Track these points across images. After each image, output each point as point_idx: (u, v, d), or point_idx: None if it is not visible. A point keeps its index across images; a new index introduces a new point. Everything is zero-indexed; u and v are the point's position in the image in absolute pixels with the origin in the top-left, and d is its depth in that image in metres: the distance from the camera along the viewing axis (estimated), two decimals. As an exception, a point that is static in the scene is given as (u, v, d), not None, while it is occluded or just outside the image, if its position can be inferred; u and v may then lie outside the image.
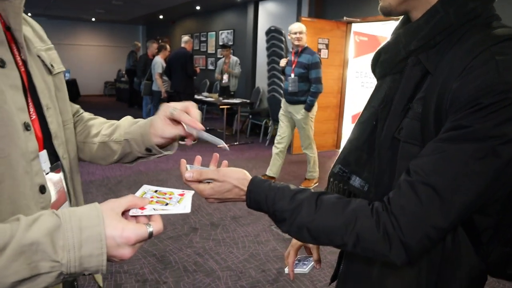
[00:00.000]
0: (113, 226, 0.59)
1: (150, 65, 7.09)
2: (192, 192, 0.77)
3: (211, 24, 10.12)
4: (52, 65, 0.80)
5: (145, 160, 0.93)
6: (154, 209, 0.67)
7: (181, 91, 6.26)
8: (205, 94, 7.36)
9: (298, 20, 5.98)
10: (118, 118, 1.00)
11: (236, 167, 0.89)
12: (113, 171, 4.96)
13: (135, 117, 1.00)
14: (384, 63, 0.85)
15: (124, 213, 0.63)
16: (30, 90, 0.71)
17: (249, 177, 0.84)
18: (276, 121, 6.61)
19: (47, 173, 0.73)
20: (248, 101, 6.99)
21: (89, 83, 13.49)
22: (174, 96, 6.49)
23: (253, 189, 0.81)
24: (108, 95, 13.77)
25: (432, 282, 0.78)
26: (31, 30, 0.80)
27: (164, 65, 6.67)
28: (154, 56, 7.18)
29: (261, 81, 7.90)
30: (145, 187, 0.76)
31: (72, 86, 11.43)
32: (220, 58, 9.30)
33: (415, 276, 0.78)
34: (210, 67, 9.88)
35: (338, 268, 1.05)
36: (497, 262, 0.79)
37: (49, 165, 0.74)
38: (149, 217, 0.66)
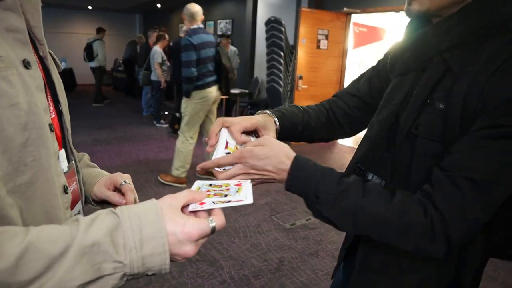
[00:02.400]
0: (173, 221, 0.56)
1: (150, 55, 7.06)
2: (249, 180, 0.71)
3: (210, 13, 10.05)
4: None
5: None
6: (213, 202, 0.63)
7: (180, 81, 6.22)
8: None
9: (297, 11, 5.96)
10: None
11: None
12: (112, 161, 4.98)
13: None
14: (410, 60, 0.86)
15: (183, 209, 0.61)
16: (49, 87, 0.70)
17: (291, 154, 0.79)
18: (275, 112, 6.63)
19: (65, 172, 0.72)
20: (247, 91, 6.99)
21: (85, 72, 13.26)
22: (173, 86, 6.47)
23: (296, 167, 0.76)
24: (105, 84, 13.64)
25: (452, 267, 0.82)
26: None
27: (163, 54, 6.63)
28: (154, 46, 7.15)
29: (260, 71, 7.89)
30: (199, 183, 0.71)
31: (69, 75, 11.33)
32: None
33: (437, 264, 0.83)
34: (208, 56, 9.84)
35: (344, 260, 1.08)
36: (500, 243, 0.85)
37: (67, 164, 0.73)
38: (209, 212, 0.62)
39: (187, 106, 4.04)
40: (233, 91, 6.69)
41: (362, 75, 1.10)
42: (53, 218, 0.63)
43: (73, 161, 0.78)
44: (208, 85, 4.01)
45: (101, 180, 0.86)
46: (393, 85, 0.93)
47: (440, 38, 0.78)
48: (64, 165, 0.71)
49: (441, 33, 0.78)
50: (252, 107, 7.33)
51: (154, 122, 7.21)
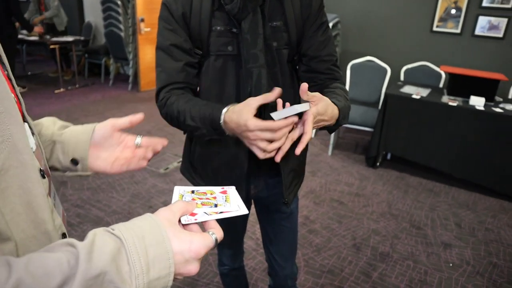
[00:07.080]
0: (178, 239, 0.51)
1: None
2: (233, 187, 0.69)
3: None
4: None
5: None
6: (205, 213, 0.59)
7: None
8: (25, 32, 6.29)
9: None
10: None
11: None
12: None
13: None
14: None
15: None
16: None
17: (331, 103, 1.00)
18: (118, 59, 6.22)
19: (34, 151, 0.58)
20: (81, 38, 6.31)
21: None
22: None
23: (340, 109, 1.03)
24: None
25: None
26: None
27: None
28: None
29: (91, 14, 7.14)
30: (179, 189, 0.66)
31: None
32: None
33: None
34: (21, -1, 8.34)
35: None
36: None
37: (33, 141, 0.59)
38: (202, 224, 0.58)
39: None
40: (66, 38, 5.95)
41: (167, 59, 1.10)
42: (37, 210, 0.53)
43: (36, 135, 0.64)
44: None
45: (102, 135, 0.77)
46: (249, 23, 1.03)
47: None
48: (31, 142, 0.57)
49: None
50: (90, 56, 6.69)
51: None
